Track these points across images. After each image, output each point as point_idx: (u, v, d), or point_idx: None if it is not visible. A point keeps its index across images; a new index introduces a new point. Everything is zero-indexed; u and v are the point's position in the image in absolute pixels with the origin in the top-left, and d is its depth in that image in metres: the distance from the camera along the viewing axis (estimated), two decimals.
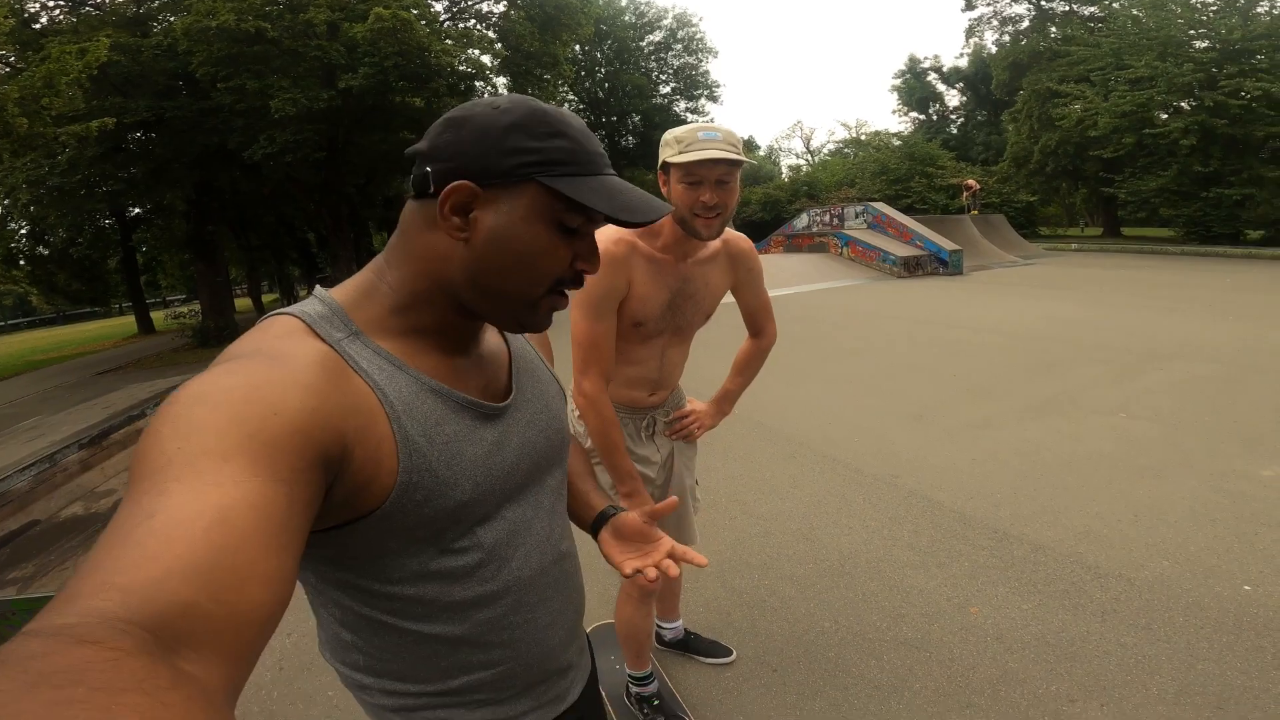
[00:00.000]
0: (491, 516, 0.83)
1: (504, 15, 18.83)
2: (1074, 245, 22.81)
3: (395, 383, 0.73)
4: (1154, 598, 2.69)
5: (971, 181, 24.81)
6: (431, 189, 0.72)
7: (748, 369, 2.15)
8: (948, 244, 16.84)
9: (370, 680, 0.85)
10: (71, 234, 21.38)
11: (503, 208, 0.73)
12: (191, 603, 0.43)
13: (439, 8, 17.88)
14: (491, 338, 0.92)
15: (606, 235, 1.63)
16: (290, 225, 25.48)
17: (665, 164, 1.63)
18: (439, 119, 0.75)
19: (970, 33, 35.92)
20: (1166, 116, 21.50)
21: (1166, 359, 6.45)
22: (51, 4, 15.64)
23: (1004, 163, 29.95)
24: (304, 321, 0.72)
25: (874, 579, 3.10)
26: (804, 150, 58.29)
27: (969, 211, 23.06)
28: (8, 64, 13.24)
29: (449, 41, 16.00)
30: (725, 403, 2.15)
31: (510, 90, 21.65)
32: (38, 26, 14.93)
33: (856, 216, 20.47)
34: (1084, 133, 23.53)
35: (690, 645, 2.63)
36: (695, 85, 39.63)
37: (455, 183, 0.71)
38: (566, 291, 0.82)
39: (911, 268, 16.70)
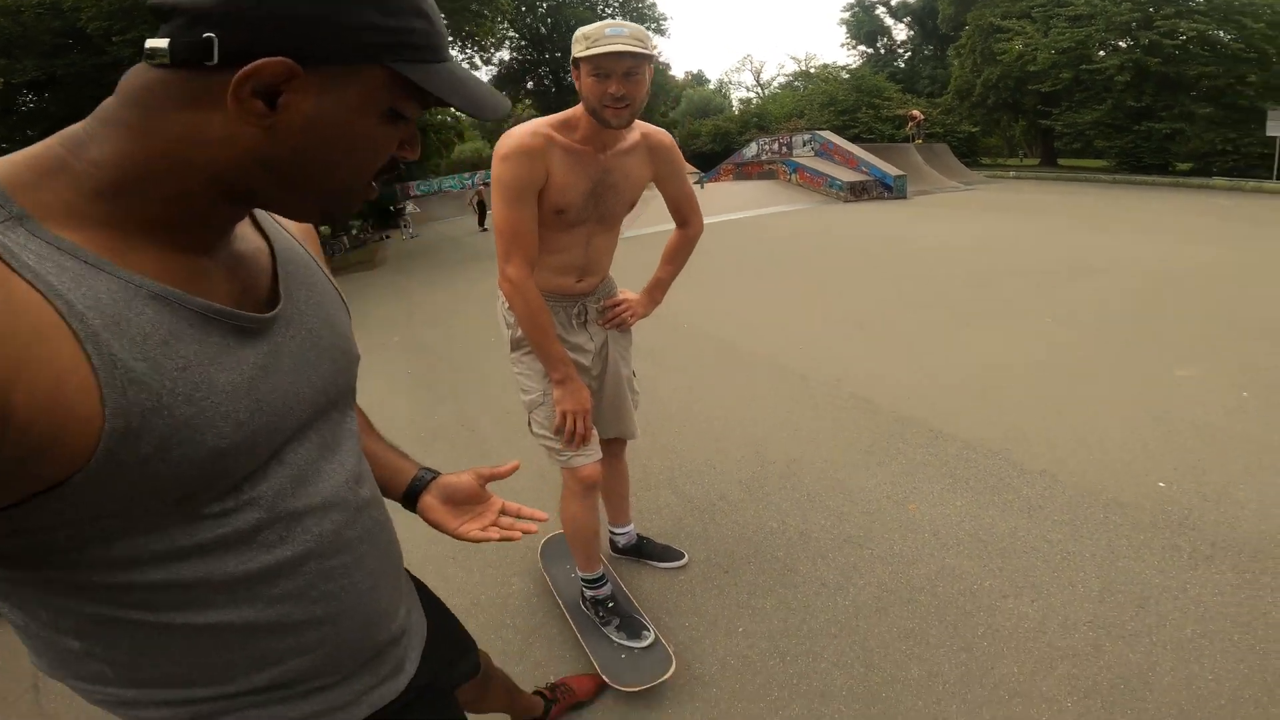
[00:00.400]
0: (267, 464, 0.63)
1: None
2: (1012, 173, 23.33)
3: (87, 286, 0.49)
4: (1077, 495, 2.76)
5: (916, 112, 25.04)
6: (214, 59, 0.50)
7: (676, 258, 2.15)
8: (892, 170, 16.96)
9: (134, 693, 0.65)
10: None
11: (330, 93, 0.54)
12: None
13: None
14: (246, 231, 0.69)
15: (523, 129, 1.69)
16: None
17: (575, 59, 1.65)
18: None
19: None
20: (1104, 54, 21.90)
21: (1093, 273, 6.57)
22: None
23: (948, 95, 30.25)
24: None
25: (819, 480, 3.12)
26: (754, 84, 57.86)
27: (914, 141, 23.23)
28: None
29: None
30: (656, 291, 2.15)
31: (447, 28, 20.19)
32: None
33: (804, 145, 20.53)
34: (1024, 67, 23.90)
35: (643, 550, 2.60)
36: (641, 19, 37.55)
37: (265, 60, 0.50)
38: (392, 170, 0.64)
39: (857, 192, 16.82)
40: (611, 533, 2.61)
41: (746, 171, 22.12)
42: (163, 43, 0.51)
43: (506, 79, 37.94)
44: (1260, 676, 1.72)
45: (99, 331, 0.49)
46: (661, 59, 40.73)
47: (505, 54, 35.42)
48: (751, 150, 23.34)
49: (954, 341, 4.92)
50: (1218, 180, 16.40)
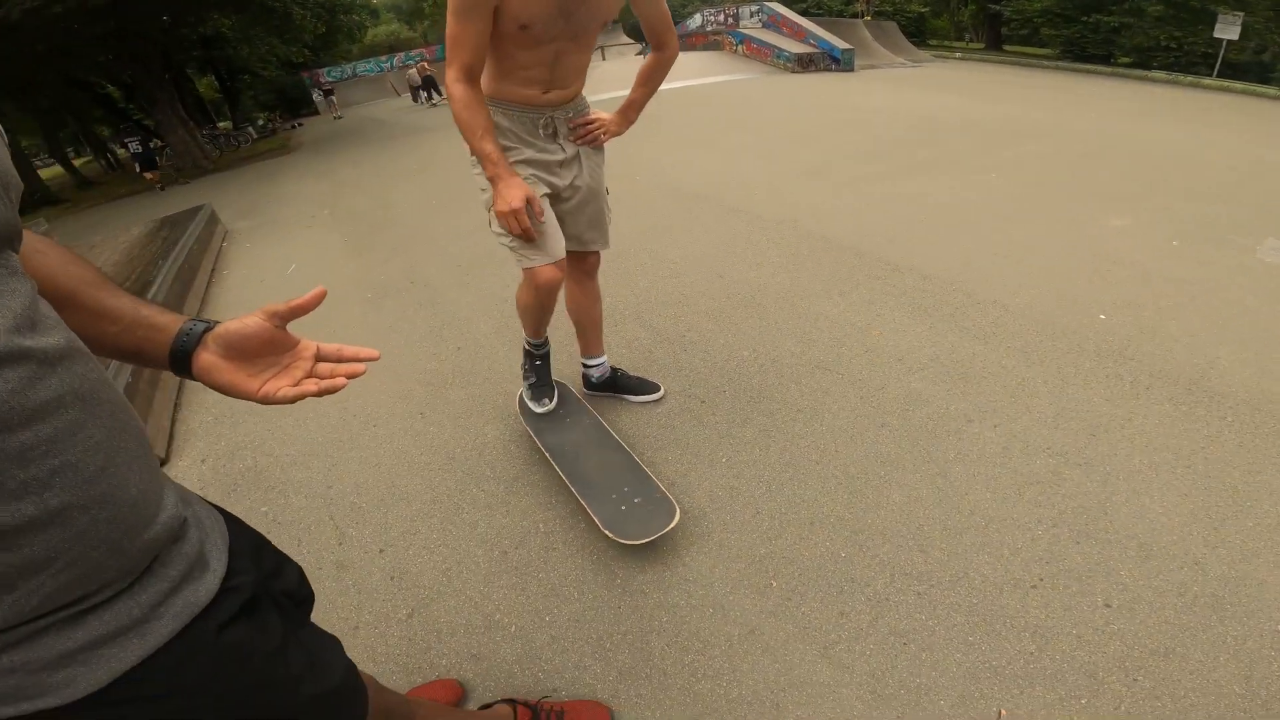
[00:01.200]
0: None
1: None
2: (958, 54, 22.15)
3: None
4: (1027, 323, 2.70)
5: None
6: None
7: (650, 80, 2.01)
8: (840, 43, 15.95)
9: None
10: None
11: None
12: None
13: None
14: None
15: None
16: (83, 83, 19.23)
17: None
18: None
19: None
20: None
21: (1035, 137, 6.28)
22: None
23: None
24: None
25: (783, 308, 2.98)
26: None
27: (863, 17, 21.97)
28: None
29: None
30: (630, 110, 2.03)
31: None
32: None
33: (751, 16, 19.37)
34: None
35: (619, 384, 2.45)
36: None
37: None
38: None
39: (805, 64, 15.92)
40: (585, 365, 2.44)
41: (691, 43, 20.87)
42: None
43: None
44: (1205, 511, 1.71)
45: None
46: None
47: None
48: (696, 21, 22.14)
49: (904, 188, 4.68)
50: (1157, 73, 15.76)
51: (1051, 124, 7.29)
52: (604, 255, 2.17)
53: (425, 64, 19.43)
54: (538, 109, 1.83)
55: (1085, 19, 20.45)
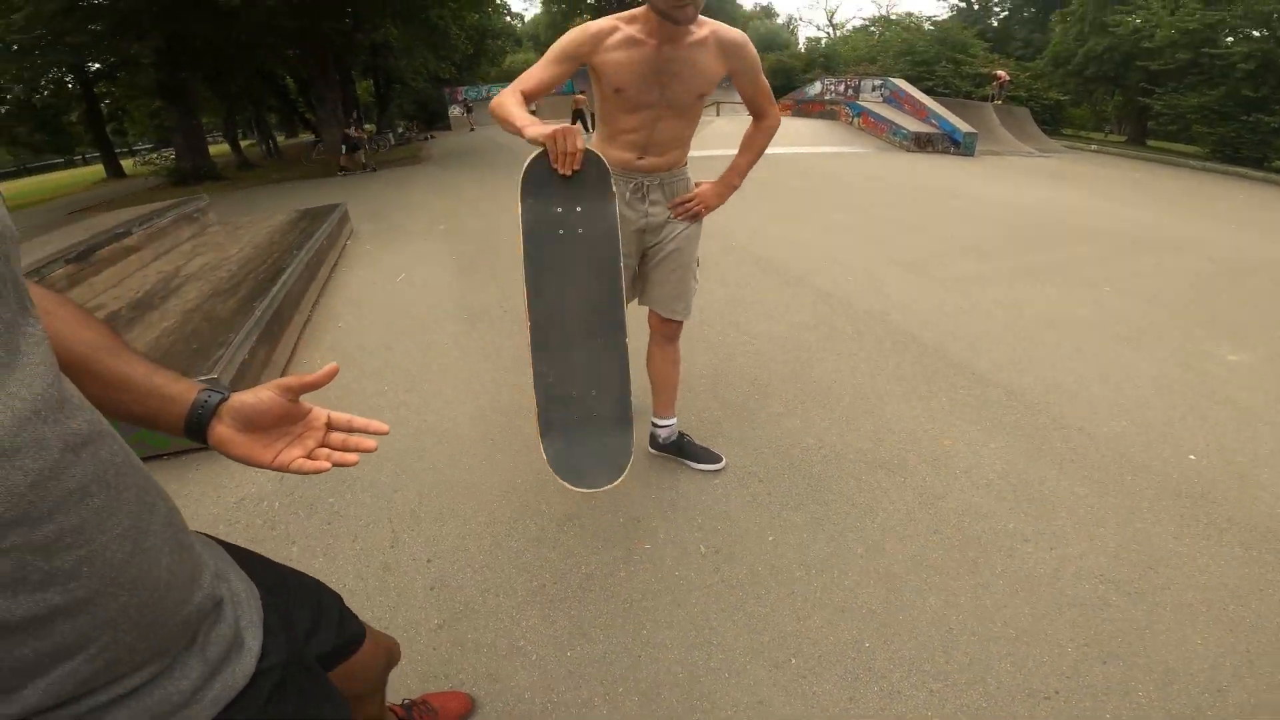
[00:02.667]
0: None
1: None
2: (1094, 147, 21.93)
3: None
4: (1110, 455, 2.80)
5: (1002, 73, 23.61)
6: None
7: (752, 145, 2.29)
8: (963, 125, 16.21)
9: None
10: (28, 90, 19.43)
11: None
12: None
13: None
14: None
15: (599, 21, 1.98)
16: (268, 73, 23.40)
17: None
18: None
19: None
20: (1231, 40, 20.36)
21: (1161, 249, 6.30)
22: None
23: (1041, 61, 28.37)
24: None
25: (857, 405, 3.19)
26: (826, 24, 55.48)
27: (993, 101, 22.03)
28: None
29: None
30: (731, 175, 2.30)
31: None
32: None
33: (873, 90, 19.93)
34: (1137, 43, 22.28)
35: (683, 450, 2.72)
36: None
37: None
38: None
39: (922, 143, 16.22)
40: (654, 424, 2.72)
41: (806, 109, 21.79)
42: None
43: None
44: (1245, 646, 1.83)
45: None
46: None
47: None
48: (815, 89, 23.01)
49: (1007, 294, 4.84)
50: None
51: (1184, 234, 7.22)
52: (687, 320, 2.46)
53: (580, 96, 20.53)
54: (631, 173, 2.17)
55: (1245, 118, 19.77)
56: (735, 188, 2.32)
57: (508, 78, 33.95)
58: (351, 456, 0.79)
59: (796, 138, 16.18)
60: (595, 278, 1.82)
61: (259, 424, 0.75)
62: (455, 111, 29.89)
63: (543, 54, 2.03)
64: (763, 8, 61.91)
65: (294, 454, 0.77)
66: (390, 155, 18.92)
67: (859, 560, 2.20)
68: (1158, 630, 1.91)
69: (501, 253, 6.18)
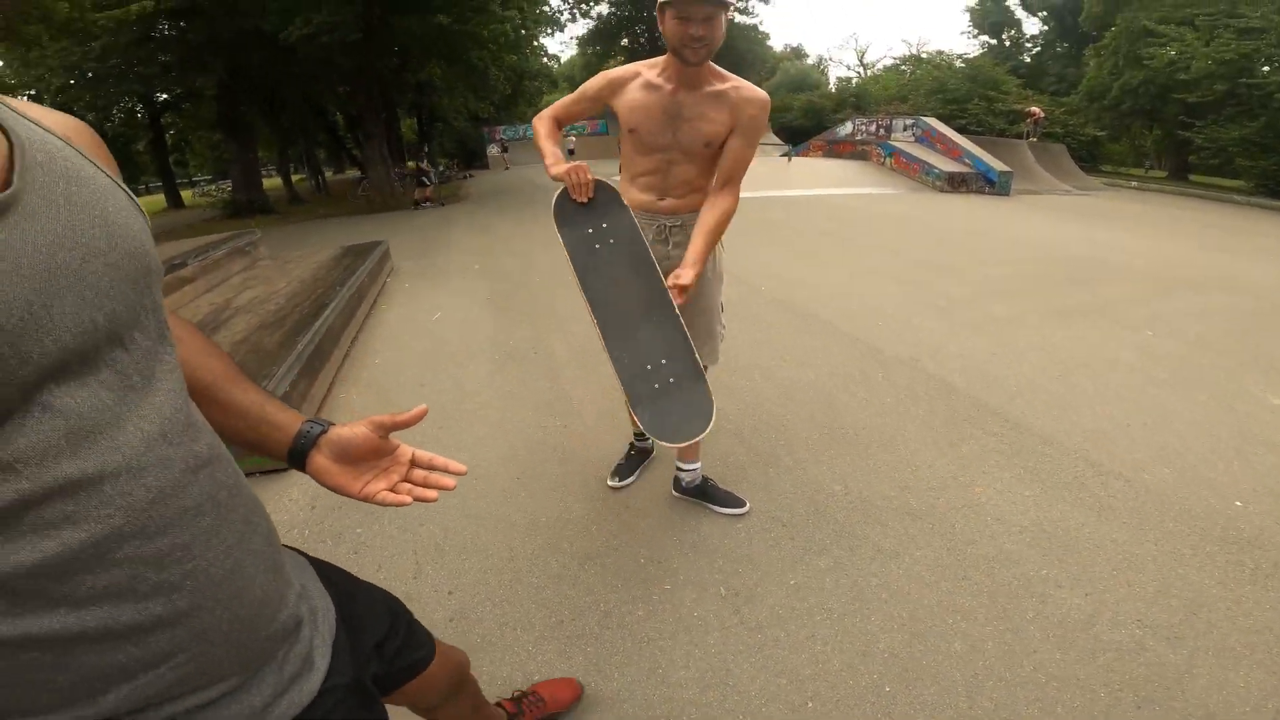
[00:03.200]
0: (24, 411, 0.48)
1: None
2: (1134, 183, 22.00)
3: None
4: (1149, 500, 2.77)
5: (1036, 110, 23.81)
6: None
7: (711, 228, 2.13)
8: (998, 164, 16.35)
9: None
10: (100, 118, 21.02)
11: None
12: None
13: None
14: None
15: (623, 67, 2.20)
16: (319, 108, 24.94)
17: (661, 5, 1.96)
18: None
19: None
20: (1268, 70, 20.41)
21: (1203, 288, 6.26)
22: None
23: (1076, 96, 28.67)
24: None
25: (886, 451, 3.20)
26: (857, 64, 56.78)
27: (1028, 138, 22.15)
28: None
29: None
30: (698, 262, 2.09)
31: None
32: None
33: (905, 129, 20.15)
34: (1173, 75, 22.46)
35: (707, 493, 2.77)
36: None
37: None
38: None
39: (956, 183, 16.36)
40: (679, 468, 2.78)
41: (838, 150, 22.05)
42: None
43: (602, 33, 37.99)
44: None
45: None
46: (761, 28, 40.44)
47: (604, 8, 35.38)
48: (846, 129, 23.22)
49: (1043, 337, 4.84)
50: None
51: (1227, 272, 7.15)
52: (721, 372, 2.53)
53: (572, 138, 21.80)
54: (653, 215, 2.30)
55: None
56: (699, 273, 2.12)
57: None
58: (431, 493, 0.86)
59: (827, 179, 16.47)
60: (634, 272, 2.08)
61: (352, 456, 0.83)
62: (493, 151, 31.11)
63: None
64: (793, 49, 62.90)
65: (379, 486, 0.84)
66: (434, 193, 19.77)
67: (882, 605, 2.21)
68: (1197, 674, 1.87)
69: (535, 292, 6.36)
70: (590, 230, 2.11)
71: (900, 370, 4.21)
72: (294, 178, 30.27)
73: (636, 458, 3.06)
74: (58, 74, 15.43)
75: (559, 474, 3.09)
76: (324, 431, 0.83)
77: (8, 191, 0.48)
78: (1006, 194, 15.87)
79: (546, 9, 20.31)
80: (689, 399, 1.98)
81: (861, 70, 55.31)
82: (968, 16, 43.27)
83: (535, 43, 23.65)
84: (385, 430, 0.83)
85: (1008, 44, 42.02)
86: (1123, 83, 25.36)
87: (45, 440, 0.48)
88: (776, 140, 32.21)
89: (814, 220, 10.95)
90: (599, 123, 30.78)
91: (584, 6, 27.01)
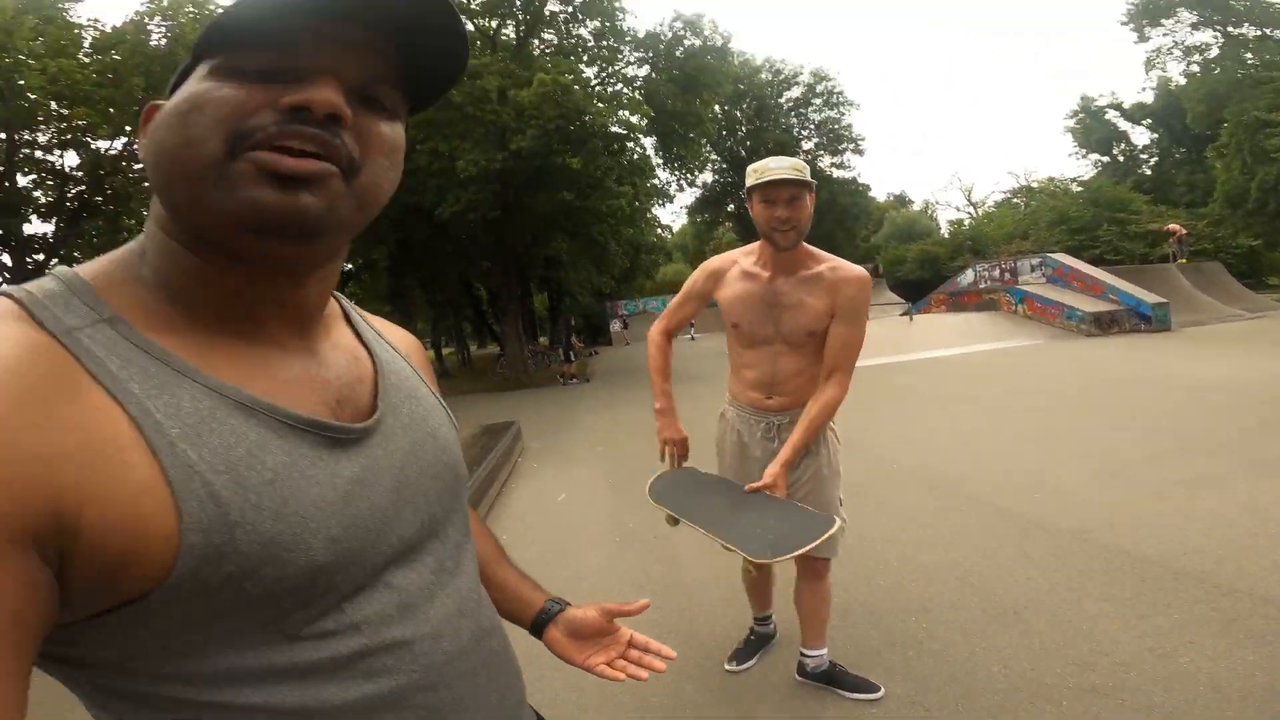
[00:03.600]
0: (370, 587, 0.61)
1: (647, 78, 20.43)
2: None
3: (170, 394, 0.50)
4: None
5: (1176, 226, 22.51)
6: None
7: (811, 422, 2.06)
8: (1149, 296, 15.19)
9: None
10: None
11: (172, 97, 0.56)
12: None
13: (590, 73, 19.59)
14: (343, 340, 0.70)
15: (720, 255, 2.28)
16: (468, 283, 28.08)
17: (748, 190, 2.02)
18: None
19: (1150, 65, 33.37)
20: None
21: None
22: None
23: (1214, 204, 26.83)
24: (19, 302, 0.50)
25: (1056, 628, 2.76)
26: (965, 203, 55.52)
27: (1175, 260, 20.80)
28: None
29: (601, 105, 17.20)
30: (791, 456, 2.04)
31: (657, 149, 23.06)
32: None
33: (1033, 270, 19.21)
34: None
35: (835, 678, 2.47)
36: (838, 140, 39.30)
37: (146, 107, 0.58)
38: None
39: (1104, 324, 15.21)
40: (803, 654, 2.54)
41: (962, 301, 21.00)
42: None
43: (709, 201, 40.58)
44: None
45: (176, 442, 0.49)
46: (860, 179, 41.01)
47: (708, 176, 37.76)
48: (968, 277, 22.22)
49: (1250, 496, 4.18)
50: None
51: None
52: (843, 549, 2.38)
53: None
54: (762, 413, 2.25)
55: None
56: (792, 465, 2.10)
57: (660, 290, 36.49)
58: (642, 672, 0.97)
59: (955, 335, 15.48)
60: (726, 489, 2.03)
61: (582, 634, 0.96)
62: (615, 326, 32.20)
63: (693, 265, 2.45)
64: (896, 197, 62.36)
65: (599, 660, 0.96)
66: (562, 370, 20.99)
67: None
68: None
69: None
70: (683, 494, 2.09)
71: (1069, 543, 3.68)
72: (444, 350, 32.61)
73: (756, 642, 2.82)
74: None
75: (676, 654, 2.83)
76: (561, 610, 0.97)
77: (374, 417, 0.64)
78: (1167, 328, 14.48)
79: (655, 182, 22.00)
80: (801, 518, 1.81)
81: (972, 210, 53.64)
82: (1070, 138, 41.99)
83: (649, 214, 25.40)
84: (611, 616, 0.97)
85: (1121, 159, 40.19)
86: (1259, 181, 23.41)
87: (383, 609, 0.61)
88: (895, 298, 31.25)
89: (945, 383, 10.39)
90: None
91: (690, 176, 28.79)
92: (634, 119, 18.28)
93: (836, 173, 39.01)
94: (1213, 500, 4.13)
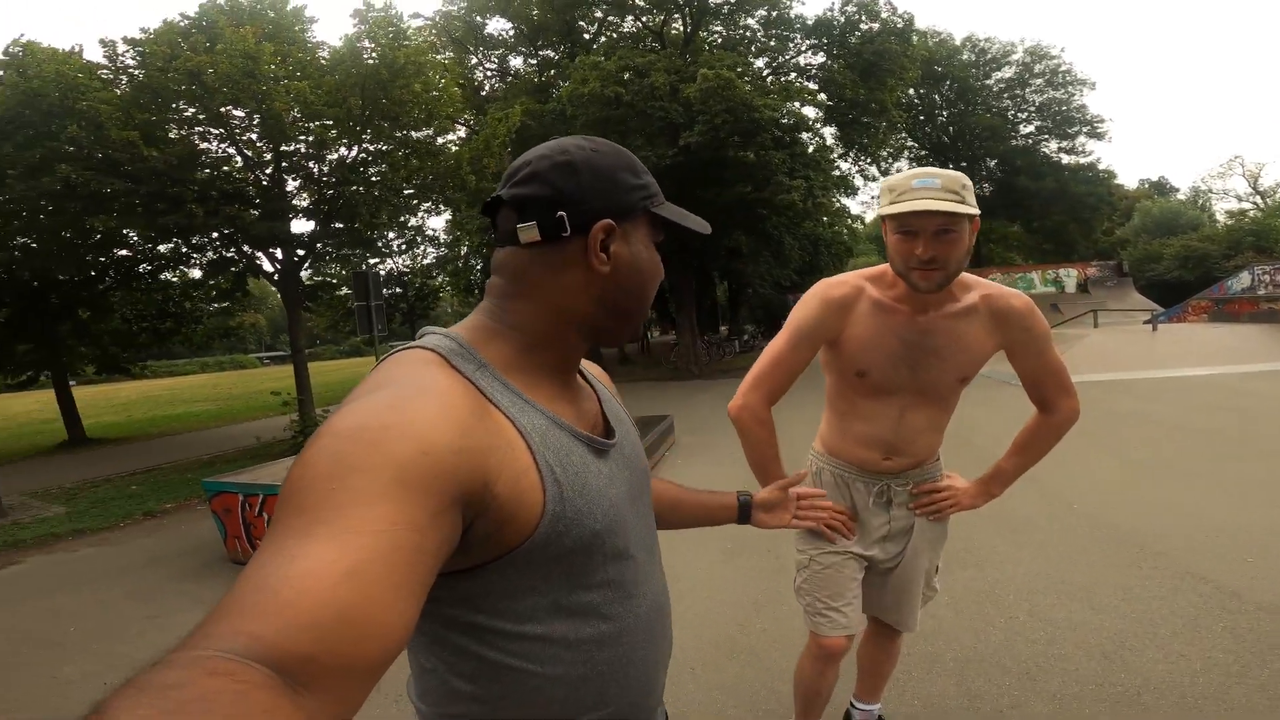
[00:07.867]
0: (618, 550, 0.88)
1: (823, 66, 20.20)
2: None
3: (527, 415, 0.79)
4: None
5: None
6: (568, 231, 0.82)
7: (1029, 449, 1.90)
8: None
9: None
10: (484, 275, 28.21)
11: (632, 237, 0.87)
12: (310, 657, 0.50)
13: (760, 64, 19.80)
14: (580, 379, 0.99)
15: (831, 280, 1.79)
16: None
17: (881, 215, 1.61)
18: (526, 166, 0.84)
19: None
20: None
21: None
22: (490, 72, 23.74)
23: None
24: (439, 354, 0.79)
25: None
26: (1249, 191, 47.39)
27: None
28: (468, 127, 18.39)
29: (771, 96, 17.25)
30: (994, 484, 1.94)
31: (838, 140, 22.93)
32: (484, 93, 21.29)
33: None
34: None
35: None
36: (1068, 122, 35.81)
37: (602, 222, 0.83)
38: None
39: None
40: (853, 705, 2.38)
41: (1231, 310, 18.22)
42: (532, 226, 0.82)
43: None
44: None
45: (539, 446, 0.78)
46: (1101, 165, 37.08)
47: (903, 163, 36.22)
48: (1243, 281, 19.64)
49: None
50: None
51: None
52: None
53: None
54: (875, 475, 1.90)
55: None
56: (995, 496, 1.96)
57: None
58: (822, 514, 1.58)
59: (1211, 353, 13.15)
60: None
61: (770, 506, 1.44)
62: None
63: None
64: (1152, 184, 56.31)
65: (786, 517, 1.46)
66: (732, 363, 21.40)
67: None
68: None
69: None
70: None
71: (1267, 623, 3.03)
72: None
73: None
74: (475, 235, 21.40)
75: (734, 672, 2.95)
76: (751, 498, 1.42)
77: (615, 439, 0.93)
78: None
79: (836, 173, 21.72)
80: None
81: (1259, 200, 45.72)
82: None
83: (835, 206, 25.18)
84: (786, 488, 1.46)
85: None
86: None
87: (623, 570, 0.89)
88: (1143, 302, 26.94)
89: (1183, 411, 8.62)
90: None
91: (879, 166, 27.86)
92: (806, 110, 18.28)
93: (1066, 158, 36.08)
94: None
